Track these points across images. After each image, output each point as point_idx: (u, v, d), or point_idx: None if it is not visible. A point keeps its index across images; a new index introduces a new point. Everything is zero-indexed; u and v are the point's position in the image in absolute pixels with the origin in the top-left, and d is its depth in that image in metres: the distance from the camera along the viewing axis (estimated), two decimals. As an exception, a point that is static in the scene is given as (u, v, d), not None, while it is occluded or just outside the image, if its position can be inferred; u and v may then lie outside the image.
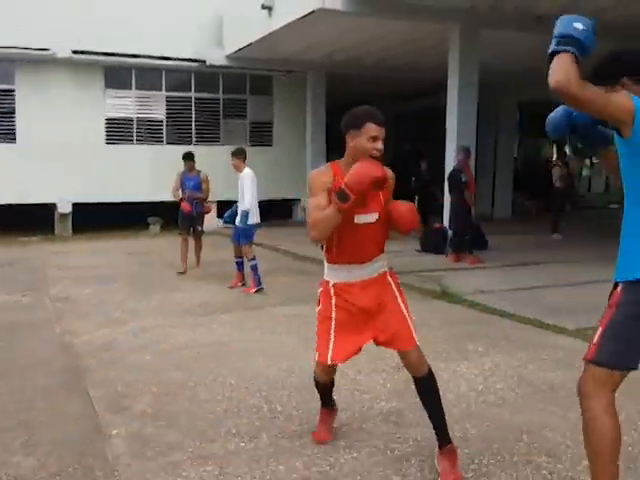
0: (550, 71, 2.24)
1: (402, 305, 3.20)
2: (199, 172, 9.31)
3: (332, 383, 3.57)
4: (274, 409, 4.01)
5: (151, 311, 6.85)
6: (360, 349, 3.24)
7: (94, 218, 14.28)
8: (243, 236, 7.87)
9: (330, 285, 3.22)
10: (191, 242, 9.45)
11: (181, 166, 9.31)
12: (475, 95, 10.99)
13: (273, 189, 14.80)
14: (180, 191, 9.25)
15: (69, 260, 10.71)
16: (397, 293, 3.23)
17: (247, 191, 7.65)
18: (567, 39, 2.32)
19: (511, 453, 3.36)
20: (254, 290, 7.75)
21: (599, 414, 2.43)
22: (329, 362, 3.21)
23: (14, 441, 3.60)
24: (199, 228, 9.49)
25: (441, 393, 4.05)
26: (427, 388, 3.16)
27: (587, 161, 30.24)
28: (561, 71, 2.21)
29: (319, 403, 3.96)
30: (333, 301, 3.19)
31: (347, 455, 3.37)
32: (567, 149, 26.73)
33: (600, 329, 2.43)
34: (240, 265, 8.12)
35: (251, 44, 13.32)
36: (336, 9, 10.02)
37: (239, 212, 7.74)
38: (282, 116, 16.65)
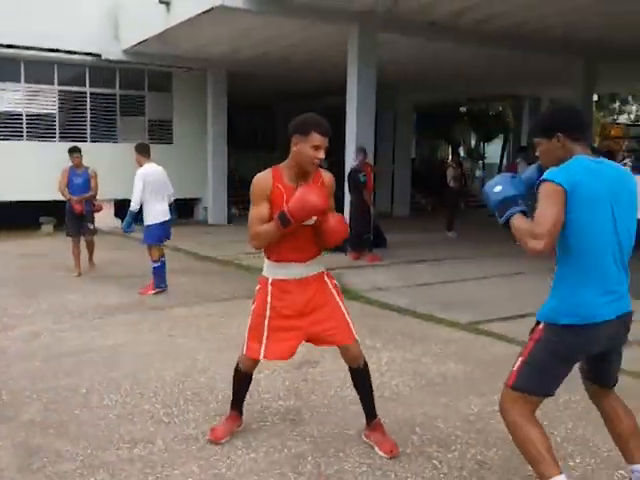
0: (520, 243, 2.53)
1: (340, 302, 3.40)
2: (87, 168, 8.85)
3: (250, 379, 3.61)
4: (170, 413, 3.93)
5: (41, 315, 6.52)
6: (293, 351, 3.36)
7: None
8: (146, 236, 7.58)
9: (269, 282, 3.34)
10: (83, 242, 8.96)
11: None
12: (373, 96, 11.21)
13: (174, 188, 14.47)
14: (66, 189, 8.74)
15: (-49, 263, 10.04)
16: (334, 291, 3.41)
17: (134, 190, 7.34)
18: (502, 205, 2.64)
19: (405, 445, 3.46)
20: (151, 292, 7.55)
21: (521, 423, 2.63)
22: (261, 358, 3.34)
23: None
24: (90, 227, 8.99)
25: (339, 392, 4.13)
26: (362, 377, 3.45)
27: (480, 162, 31.60)
28: (524, 240, 2.49)
29: (220, 404, 3.93)
30: (269, 299, 3.31)
31: (245, 456, 3.35)
32: (461, 151, 27.86)
33: (521, 359, 2.65)
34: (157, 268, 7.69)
35: (149, 39, 12.97)
36: (236, 7, 9.93)
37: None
38: (182, 114, 16.32)
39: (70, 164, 8.84)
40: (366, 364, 3.45)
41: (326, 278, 3.42)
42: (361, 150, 10.20)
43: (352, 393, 4.21)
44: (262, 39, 12.81)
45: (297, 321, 3.30)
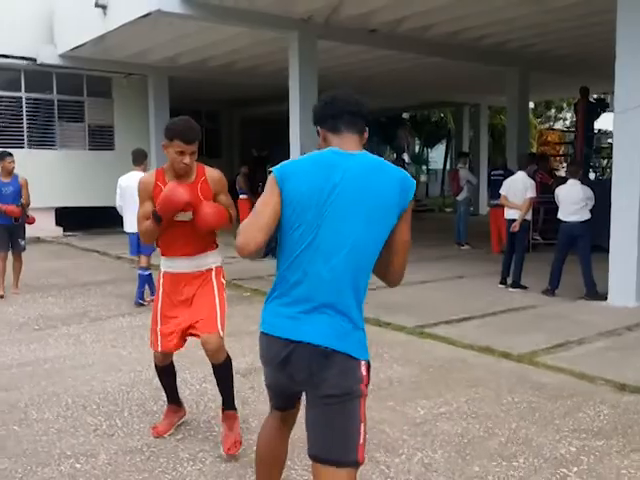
0: None
1: (217, 298, 3.46)
2: (16, 176, 7.91)
3: (173, 371, 3.71)
4: (113, 425, 3.83)
5: (-24, 329, 6.28)
6: (183, 340, 3.52)
7: None
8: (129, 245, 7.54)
9: (161, 274, 3.54)
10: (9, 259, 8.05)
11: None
12: (315, 102, 11.25)
13: (115, 194, 14.19)
14: None
15: None
16: (216, 288, 3.49)
17: None
18: None
19: (352, 450, 3.46)
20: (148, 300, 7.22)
21: (259, 434, 2.55)
22: (159, 350, 3.52)
23: None
24: (22, 243, 8.00)
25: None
26: (221, 373, 3.50)
27: (424, 167, 32.12)
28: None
29: (163, 411, 3.87)
30: (161, 291, 3.52)
31: (190, 467, 3.29)
32: (405, 156, 28.29)
33: None
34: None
35: (86, 43, 12.67)
36: (173, 12, 9.81)
37: None
38: (124, 119, 16.02)
39: None
40: (228, 361, 3.48)
41: (214, 276, 3.50)
42: (305, 156, 10.22)
43: (300, 400, 4.21)
44: (202, 45, 12.72)
45: (180, 314, 3.44)
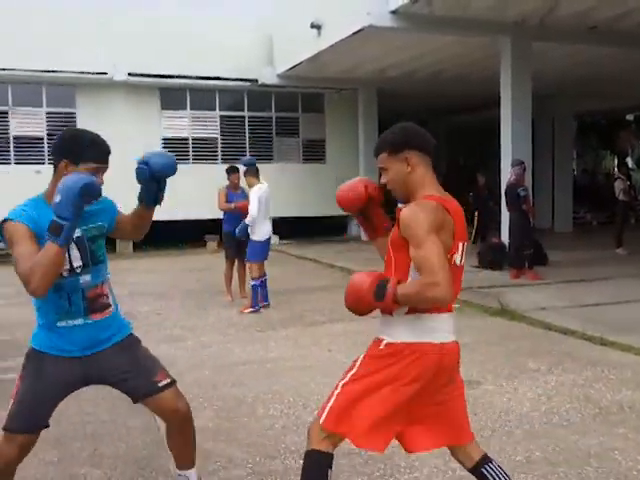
0: None
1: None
2: (243, 189, 8.57)
3: None
4: (333, 427, 3.97)
5: (209, 328, 6.92)
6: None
7: (154, 235, 14.57)
8: (250, 252, 7.78)
9: None
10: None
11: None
12: (529, 107, 10.81)
13: (326, 205, 14.81)
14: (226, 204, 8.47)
15: (128, 277, 10.91)
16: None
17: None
18: (52, 225, 2.31)
19: (579, 478, 3.23)
20: (247, 311, 7.64)
21: None
22: None
23: (81, 452, 3.70)
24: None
25: (504, 415, 3.93)
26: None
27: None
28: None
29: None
30: None
31: (407, 475, 3.31)
32: (629, 161, 26.05)
33: None
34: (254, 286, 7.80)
35: (302, 63, 13.47)
36: (385, 26, 10.04)
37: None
38: (334, 133, 16.75)
39: (226, 184, 8.65)
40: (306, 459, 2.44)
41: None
42: (519, 163, 9.83)
43: (515, 416, 4.05)
44: (411, 56, 12.84)
45: None
